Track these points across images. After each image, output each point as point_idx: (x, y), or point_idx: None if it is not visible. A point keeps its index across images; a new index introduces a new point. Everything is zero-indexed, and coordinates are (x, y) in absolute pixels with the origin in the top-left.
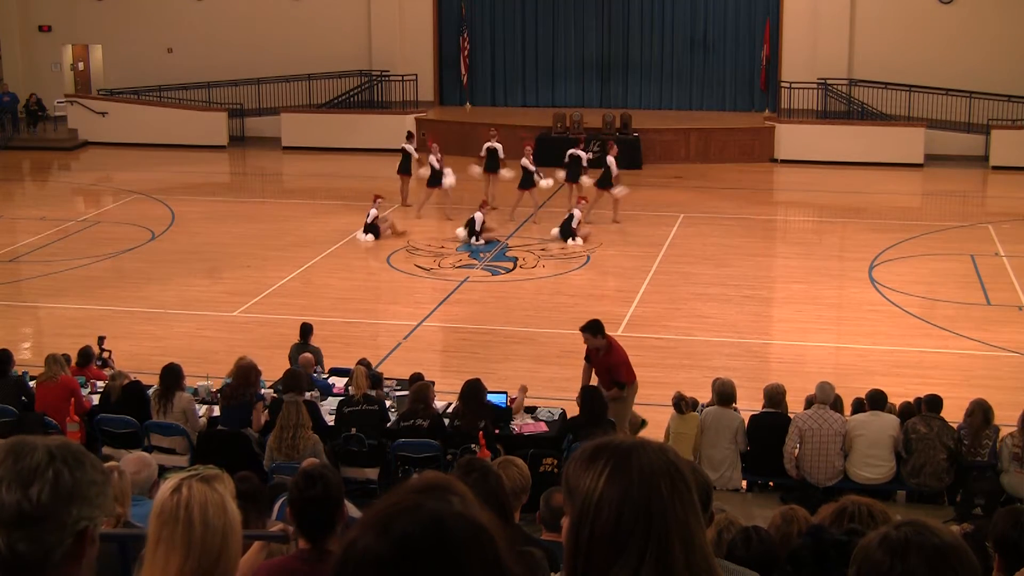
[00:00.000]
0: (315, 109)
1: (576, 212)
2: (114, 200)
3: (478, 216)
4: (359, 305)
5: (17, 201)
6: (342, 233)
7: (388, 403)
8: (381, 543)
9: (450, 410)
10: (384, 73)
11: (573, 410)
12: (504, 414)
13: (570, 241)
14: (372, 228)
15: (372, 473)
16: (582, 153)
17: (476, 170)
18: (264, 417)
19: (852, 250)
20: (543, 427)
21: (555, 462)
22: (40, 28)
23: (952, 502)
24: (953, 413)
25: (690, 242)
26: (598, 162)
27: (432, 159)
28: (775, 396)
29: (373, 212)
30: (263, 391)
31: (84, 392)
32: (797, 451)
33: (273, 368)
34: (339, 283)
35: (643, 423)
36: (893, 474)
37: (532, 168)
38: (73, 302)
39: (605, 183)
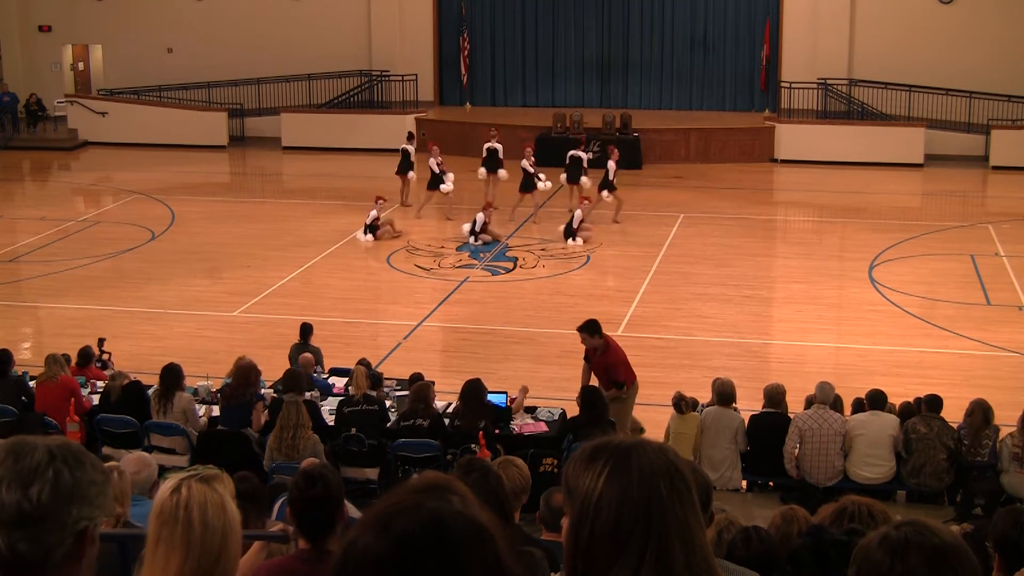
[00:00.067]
0: (315, 109)
1: (578, 212)
2: (114, 200)
3: (479, 217)
4: (359, 305)
5: (17, 201)
6: (342, 233)
7: (388, 403)
8: (381, 542)
9: (450, 410)
10: (384, 73)
11: (573, 410)
12: (504, 414)
13: (570, 241)
14: (372, 228)
15: (372, 473)
16: (583, 154)
17: (481, 171)
18: (264, 417)
19: (852, 250)
20: (543, 427)
21: (555, 462)
22: (40, 28)
23: (952, 502)
24: (953, 413)
25: (690, 242)
26: (599, 162)
27: (432, 162)
28: (775, 396)
29: (373, 213)
30: (263, 391)
31: (84, 392)
32: (797, 451)
33: (273, 368)
34: (339, 283)
35: (641, 432)
36: (893, 474)
37: (532, 170)
38: (73, 302)
39: (604, 187)
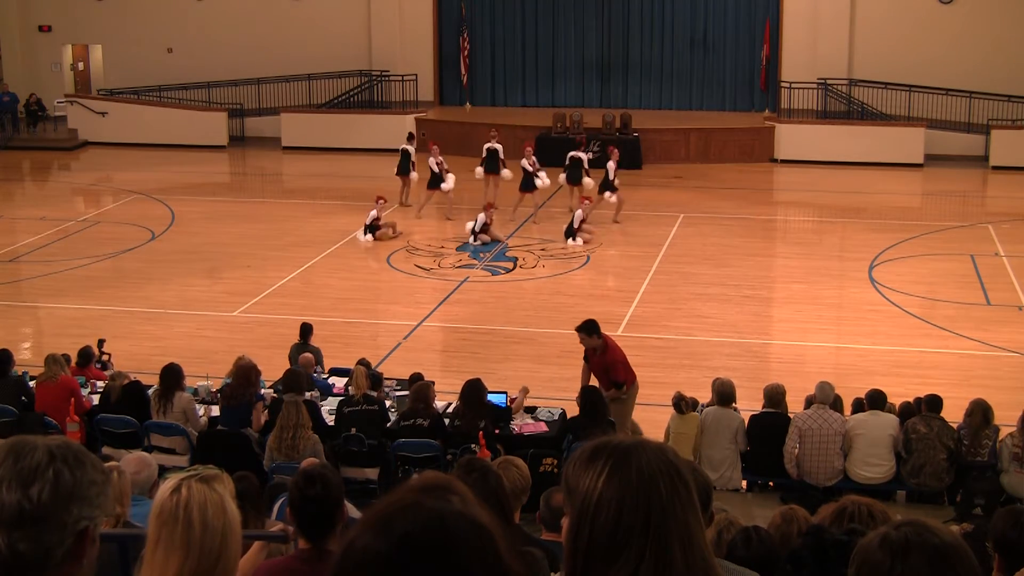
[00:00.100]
0: (315, 109)
1: (578, 212)
2: (114, 200)
3: (481, 216)
4: (359, 305)
5: (17, 201)
6: (342, 233)
7: (388, 403)
8: (381, 542)
9: (450, 410)
10: (384, 73)
11: (573, 410)
12: (504, 414)
13: (570, 241)
14: (372, 228)
15: (372, 473)
16: (583, 155)
17: (478, 171)
18: (264, 417)
19: (852, 250)
20: (543, 427)
21: (555, 462)
22: (40, 28)
23: (952, 502)
24: (953, 413)
25: (690, 242)
26: (599, 162)
27: (432, 161)
28: (775, 396)
29: (373, 212)
30: (263, 391)
31: (84, 392)
32: (797, 451)
33: (273, 368)
34: (339, 283)
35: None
36: (893, 474)
37: (531, 170)
38: (73, 302)
39: (605, 188)
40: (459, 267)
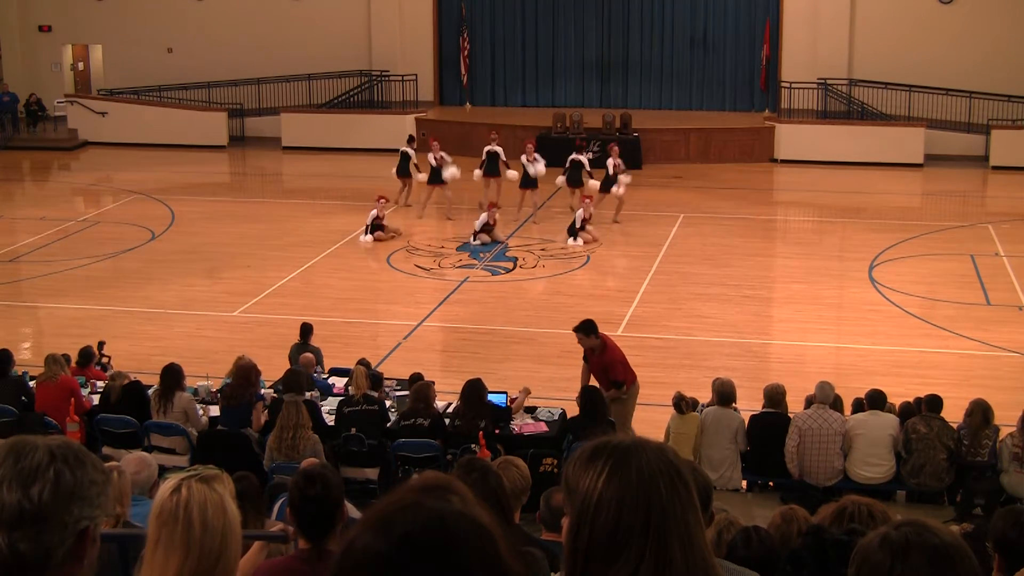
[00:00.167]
0: (315, 109)
1: (580, 212)
2: (114, 200)
3: (483, 216)
4: (359, 305)
5: (17, 201)
6: (342, 233)
7: (388, 403)
8: (381, 542)
9: (450, 410)
10: (384, 73)
11: (573, 410)
12: (504, 414)
13: (570, 241)
14: (374, 228)
15: (372, 473)
16: (583, 159)
17: (476, 173)
18: (264, 417)
19: (852, 250)
20: (543, 427)
21: (555, 462)
22: (40, 28)
23: (952, 502)
24: (953, 413)
25: (690, 242)
26: (599, 162)
27: (431, 156)
28: (775, 396)
29: (374, 212)
30: (263, 391)
31: (84, 392)
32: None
33: (273, 368)
34: (339, 283)
35: None
36: (893, 474)
37: (529, 159)
38: (73, 302)
39: (607, 186)
40: (459, 267)
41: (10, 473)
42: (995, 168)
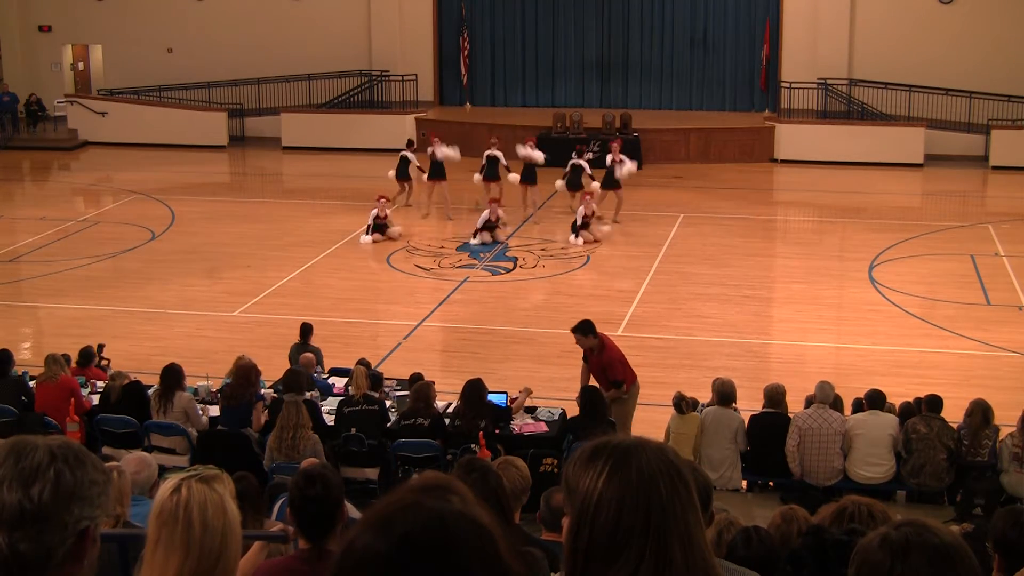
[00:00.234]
0: (315, 109)
1: (581, 208)
2: (114, 200)
3: (485, 213)
4: (359, 305)
5: (17, 201)
6: (342, 233)
7: (388, 403)
8: (381, 542)
9: (450, 410)
10: (384, 73)
11: (573, 410)
12: (504, 414)
13: (571, 238)
14: (377, 228)
15: (372, 473)
16: (584, 163)
17: (476, 177)
18: (264, 417)
19: (852, 250)
20: (543, 427)
21: (555, 462)
22: (40, 28)
23: (952, 502)
24: (953, 413)
25: (690, 242)
26: (599, 161)
27: (429, 151)
28: (775, 396)
29: (375, 212)
30: (263, 391)
31: (84, 392)
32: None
33: (273, 368)
34: (339, 283)
35: None
36: (893, 473)
37: (527, 151)
38: (73, 302)
39: (610, 183)
40: (459, 267)
41: (10, 473)
42: (995, 168)
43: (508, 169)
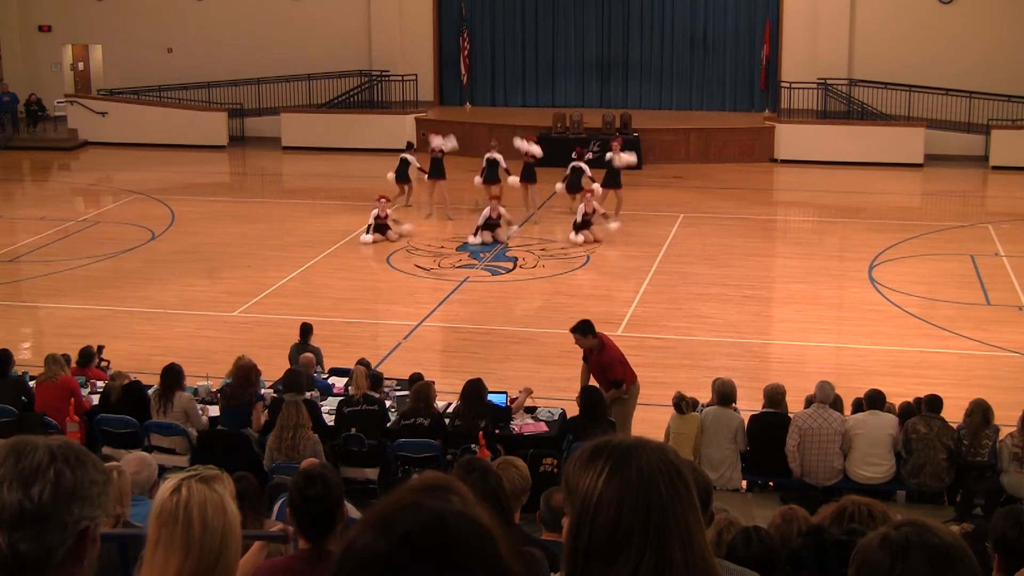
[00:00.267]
0: (315, 109)
1: (581, 206)
2: (114, 200)
3: (486, 211)
4: (359, 305)
5: (17, 201)
6: (342, 233)
7: (388, 403)
8: (381, 542)
9: (450, 410)
10: (384, 73)
11: (573, 410)
12: (504, 414)
13: (572, 235)
14: (378, 228)
15: (372, 473)
16: (584, 165)
17: (477, 180)
18: (264, 417)
19: (852, 250)
20: (543, 427)
21: (555, 462)
22: (40, 28)
23: (952, 502)
24: (953, 413)
25: (690, 242)
26: (600, 161)
27: (431, 147)
28: (775, 396)
29: (375, 212)
30: (263, 391)
31: (84, 392)
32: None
33: (273, 368)
34: (339, 283)
35: None
36: (893, 473)
37: (525, 147)
38: (73, 302)
39: (610, 183)
40: (459, 267)
41: (10, 473)
42: (995, 168)
43: (508, 172)
